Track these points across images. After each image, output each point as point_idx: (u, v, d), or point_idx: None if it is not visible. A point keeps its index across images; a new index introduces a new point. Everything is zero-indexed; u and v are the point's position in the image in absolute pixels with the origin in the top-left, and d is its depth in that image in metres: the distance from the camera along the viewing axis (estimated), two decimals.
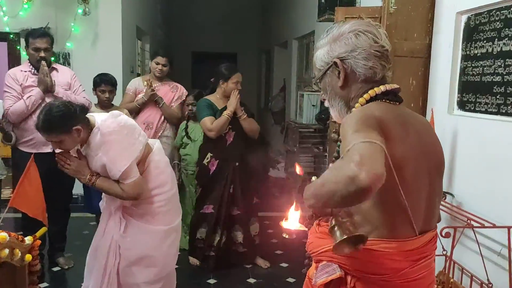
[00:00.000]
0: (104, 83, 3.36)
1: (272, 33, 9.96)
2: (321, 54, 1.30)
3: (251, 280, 3.41)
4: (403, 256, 1.16)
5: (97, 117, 2.15)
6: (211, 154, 3.48)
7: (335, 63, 1.26)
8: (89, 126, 2.11)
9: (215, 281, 3.39)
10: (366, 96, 1.23)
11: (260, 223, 3.72)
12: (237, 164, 3.43)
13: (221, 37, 11.09)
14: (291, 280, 3.47)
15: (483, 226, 2.23)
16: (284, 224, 1.38)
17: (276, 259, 3.80)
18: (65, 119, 2.02)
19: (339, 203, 1.01)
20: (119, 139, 2.05)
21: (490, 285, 2.32)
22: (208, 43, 10.97)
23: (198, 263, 3.56)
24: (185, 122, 3.84)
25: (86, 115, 2.14)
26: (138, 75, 6.27)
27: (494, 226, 2.21)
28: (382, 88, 1.23)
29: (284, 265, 3.73)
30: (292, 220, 1.37)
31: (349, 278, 1.20)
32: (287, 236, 1.41)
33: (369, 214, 1.15)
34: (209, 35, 11.04)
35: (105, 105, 3.43)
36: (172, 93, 4.00)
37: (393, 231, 1.16)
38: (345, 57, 1.25)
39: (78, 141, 2.09)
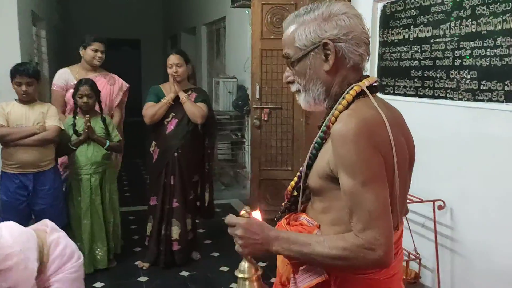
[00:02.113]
0: (19, 74, 2.87)
1: (178, 18, 9.70)
2: (306, 32, 1.14)
3: (184, 273, 3.33)
4: None
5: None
6: (155, 142, 3.34)
7: (325, 44, 1.13)
8: None
9: (146, 278, 3.26)
10: (353, 92, 1.14)
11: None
12: (175, 154, 3.25)
13: (122, 22, 10.57)
14: (224, 268, 3.45)
15: (412, 201, 2.40)
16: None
17: (206, 249, 3.76)
18: None
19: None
20: None
21: (418, 254, 2.51)
22: (109, 28, 10.37)
23: (147, 266, 3.37)
24: (71, 117, 3.18)
25: None
26: (37, 64, 5.74)
27: (422, 201, 2.39)
28: (366, 82, 1.16)
29: (215, 254, 3.70)
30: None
31: (332, 279, 1.15)
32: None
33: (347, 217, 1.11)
34: (109, 20, 10.46)
35: (25, 100, 2.94)
36: (110, 86, 3.54)
37: None
38: (337, 39, 1.13)
39: None
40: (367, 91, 1.14)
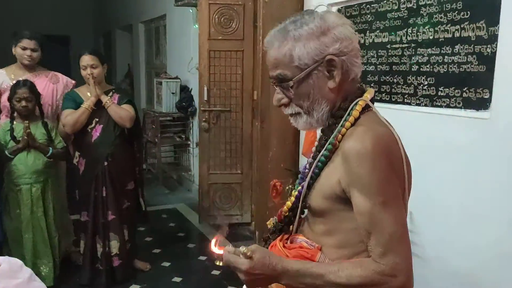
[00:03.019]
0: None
1: (112, 15, 9.26)
2: (307, 49, 1.06)
3: (136, 287, 3.15)
4: None
5: None
6: (79, 153, 3.06)
7: (330, 60, 1.06)
8: None
9: None
10: (358, 107, 1.09)
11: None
12: (105, 163, 2.99)
13: (51, 18, 9.91)
14: (177, 279, 3.30)
15: None
16: (216, 251, 1.17)
17: (157, 259, 3.59)
18: None
19: None
20: None
21: None
22: (36, 24, 9.67)
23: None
24: (8, 121, 2.91)
25: None
26: None
27: None
28: (368, 96, 1.11)
29: (166, 264, 3.53)
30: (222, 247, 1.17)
31: None
32: (220, 264, 1.24)
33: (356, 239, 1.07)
34: (36, 15, 9.78)
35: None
36: (53, 85, 3.25)
37: None
38: (340, 53, 1.06)
39: None
40: (372, 106, 1.09)
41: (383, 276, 0.97)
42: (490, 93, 2.05)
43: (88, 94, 2.99)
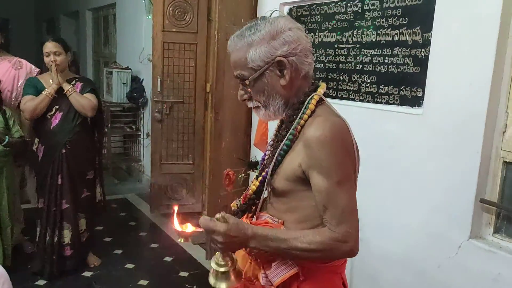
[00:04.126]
0: None
1: (55, 0, 8.98)
2: (259, 52, 1.20)
3: (87, 274, 3.18)
4: None
5: None
6: (38, 139, 3.05)
7: (279, 61, 1.20)
8: None
9: (44, 282, 3.03)
10: (313, 101, 1.24)
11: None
12: (63, 151, 2.99)
13: None
14: (129, 266, 3.37)
15: None
16: (178, 228, 1.30)
17: (108, 247, 3.63)
18: None
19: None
20: None
21: None
22: None
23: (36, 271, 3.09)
24: None
25: None
26: None
27: None
28: (321, 91, 1.26)
29: (118, 251, 3.59)
30: (184, 224, 1.32)
31: (300, 270, 1.24)
32: (182, 241, 1.32)
33: (315, 214, 1.22)
34: None
35: None
36: (15, 71, 3.18)
37: None
38: (288, 55, 1.20)
39: None
40: (325, 99, 1.26)
41: (336, 242, 1.15)
42: (423, 91, 2.31)
43: (51, 81, 2.97)
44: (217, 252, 1.21)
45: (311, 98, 1.25)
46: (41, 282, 3.03)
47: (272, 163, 1.27)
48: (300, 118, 1.23)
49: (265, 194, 1.37)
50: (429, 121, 2.29)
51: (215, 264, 1.20)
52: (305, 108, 1.23)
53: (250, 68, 1.22)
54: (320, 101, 1.27)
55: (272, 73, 1.22)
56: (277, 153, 1.26)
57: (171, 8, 4.03)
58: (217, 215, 1.17)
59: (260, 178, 1.32)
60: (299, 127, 1.23)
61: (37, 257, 3.12)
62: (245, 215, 1.38)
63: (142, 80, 5.31)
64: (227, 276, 1.20)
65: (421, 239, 2.36)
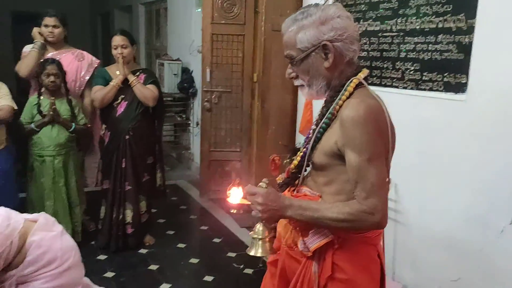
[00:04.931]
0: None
1: None
2: (307, 35, 1.32)
3: (143, 251, 3.42)
4: None
5: None
6: (105, 126, 3.33)
7: (324, 45, 1.32)
8: None
9: (105, 256, 3.31)
10: (352, 84, 1.33)
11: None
12: (127, 137, 3.24)
13: None
14: (181, 245, 3.59)
15: None
16: (230, 200, 1.47)
17: (161, 228, 3.87)
18: None
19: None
20: None
21: None
22: (30, 1, 9.78)
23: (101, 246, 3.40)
24: (36, 96, 3.15)
25: None
26: None
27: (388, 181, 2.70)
28: (362, 75, 1.36)
29: (170, 232, 3.82)
30: (235, 196, 1.48)
31: (336, 239, 1.35)
32: (235, 211, 1.50)
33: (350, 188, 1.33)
34: None
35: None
36: (78, 62, 3.45)
37: None
38: (334, 40, 1.31)
39: None
40: (365, 83, 1.37)
41: (364, 213, 1.26)
42: (467, 78, 2.34)
43: (117, 72, 3.23)
44: (257, 224, 1.35)
45: (351, 82, 1.35)
46: (102, 257, 3.31)
47: (312, 139, 1.39)
48: (339, 99, 1.34)
49: (307, 171, 1.50)
50: (472, 107, 2.32)
51: (254, 233, 1.35)
52: (344, 90, 1.34)
53: (298, 49, 1.35)
54: (360, 85, 1.37)
55: (317, 56, 1.34)
56: (316, 130, 1.38)
57: (220, 1, 4.19)
58: (260, 183, 1.31)
59: (301, 153, 1.44)
60: (337, 107, 1.34)
61: (102, 233, 3.41)
62: (288, 189, 1.51)
63: (192, 71, 5.53)
64: (263, 245, 1.35)
65: (463, 223, 2.40)
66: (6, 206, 2.08)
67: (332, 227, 1.32)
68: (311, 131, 1.47)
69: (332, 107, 1.35)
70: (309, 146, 1.40)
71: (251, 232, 1.39)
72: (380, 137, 1.30)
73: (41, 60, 3.16)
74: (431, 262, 2.59)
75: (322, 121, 1.37)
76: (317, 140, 1.39)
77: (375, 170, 1.26)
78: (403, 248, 2.79)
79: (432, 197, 2.57)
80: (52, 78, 3.06)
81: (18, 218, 2.02)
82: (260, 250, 1.39)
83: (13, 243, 1.93)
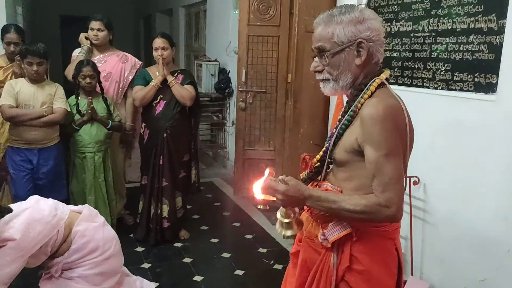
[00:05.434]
0: (30, 54, 2.97)
1: None
2: (345, 30, 1.37)
3: (178, 245, 3.56)
4: None
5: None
6: (145, 124, 3.50)
7: (359, 42, 1.37)
8: None
9: (143, 248, 3.48)
10: (375, 84, 1.40)
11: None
12: (165, 135, 3.39)
13: (91, 0, 10.42)
14: (214, 240, 3.71)
15: None
16: (256, 196, 1.51)
17: (196, 223, 4.01)
18: None
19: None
20: None
21: None
22: (78, 6, 10.25)
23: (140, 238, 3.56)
24: (74, 97, 3.30)
25: None
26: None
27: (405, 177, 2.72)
28: (384, 76, 1.43)
29: (204, 227, 3.95)
30: (259, 192, 1.50)
31: (354, 231, 1.42)
32: (261, 207, 1.55)
33: (369, 183, 1.38)
34: None
35: (35, 79, 3.05)
36: (122, 64, 3.64)
37: None
38: (369, 40, 1.37)
39: None
40: (387, 83, 1.43)
41: (379, 206, 1.32)
42: (497, 78, 2.33)
43: (157, 73, 3.40)
44: (280, 207, 1.43)
45: (373, 81, 1.42)
46: (139, 249, 3.48)
47: (334, 135, 1.46)
48: (361, 97, 1.41)
49: (330, 167, 1.57)
50: (503, 107, 2.30)
51: (280, 215, 1.43)
52: (367, 89, 1.41)
53: (334, 42, 1.40)
54: (382, 85, 1.43)
55: (351, 51, 1.40)
56: (338, 127, 1.45)
57: (256, 3, 4.28)
58: (280, 177, 1.39)
59: (323, 148, 1.51)
60: (359, 105, 1.40)
61: (140, 227, 3.58)
62: (311, 184, 1.58)
63: (229, 71, 5.66)
64: (290, 226, 1.42)
65: (490, 224, 2.38)
66: (57, 199, 2.26)
67: (349, 218, 1.39)
68: (334, 128, 1.54)
69: (354, 105, 1.42)
70: (331, 142, 1.47)
71: (278, 214, 1.45)
72: (398, 134, 1.35)
73: (77, 63, 3.33)
74: (458, 262, 2.58)
75: (344, 118, 1.44)
76: (339, 136, 1.45)
77: (392, 165, 1.32)
78: (431, 248, 2.79)
79: (460, 198, 2.57)
80: (88, 80, 3.24)
81: (64, 209, 2.19)
82: (289, 231, 1.46)
83: (60, 232, 2.11)
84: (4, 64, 3.53)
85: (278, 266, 3.28)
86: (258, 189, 1.52)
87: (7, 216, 1.95)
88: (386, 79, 1.45)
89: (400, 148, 1.36)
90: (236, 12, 5.02)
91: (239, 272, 3.21)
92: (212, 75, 5.71)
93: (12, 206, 2.03)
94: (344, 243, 1.44)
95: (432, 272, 2.77)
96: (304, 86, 3.67)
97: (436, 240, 2.75)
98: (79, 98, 3.31)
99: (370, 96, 1.41)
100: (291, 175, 1.46)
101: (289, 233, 1.44)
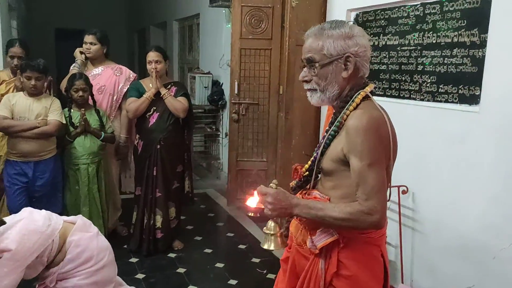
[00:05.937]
0: (29, 69, 3.03)
1: (146, 12, 9.80)
2: (335, 44, 1.45)
3: (172, 255, 3.60)
4: None
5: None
6: (139, 135, 3.56)
7: (348, 56, 1.45)
8: None
9: (137, 259, 3.51)
10: (360, 96, 1.47)
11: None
12: (158, 146, 3.44)
13: (86, 13, 10.52)
14: (208, 250, 3.75)
15: None
16: (248, 204, 1.62)
17: (190, 234, 4.04)
18: None
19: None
20: None
21: None
22: (72, 19, 10.34)
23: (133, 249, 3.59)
24: (66, 109, 3.34)
25: None
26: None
27: (388, 186, 2.78)
28: (368, 89, 1.50)
29: (198, 238, 3.99)
30: (252, 201, 1.61)
31: (341, 238, 1.48)
32: (252, 214, 1.67)
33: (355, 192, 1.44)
34: (73, 10, 10.44)
35: (33, 93, 3.11)
36: (116, 77, 3.69)
37: None
38: (356, 55, 1.45)
39: None
40: (371, 96, 1.50)
41: (363, 213, 1.38)
42: (480, 90, 2.41)
43: (150, 85, 3.46)
44: (268, 221, 1.50)
45: (358, 94, 1.49)
46: (133, 260, 3.51)
47: (321, 146, 1.53)
48: (346, 109, 1.48)
49: (318, 176, 1.63)
50: (485, 118, 2.39)
51: (266, 229, 1.50)
52: (352, 101, 1.48)
53: (323, 54, 1.47)
54: (367, 98, 1.50)
55: (338, 64, 1.48)
56: (326, 138, 1.53)
57: (248, 17, 4.38)
58: (271, 184, 1.45)
59: (312, 158, 1.58)
60: (345, 116, 1.48)
61: (134, 237, 3.61)
62: (300, 192, 1.64)
63: (222, 84, 5.74)
64: (275, 240, 1.50)
65: (478, 232, 2.45)
66: (53, 211, 2.30)
67: (335, 225, 1.45)
68: (321, 138, 1.61)
69: (340, 117, 1.49)
70: (319, 152, 1.54)
71: (264, 228, 1.54)
72: (381, 145, 1.42)
73: (69, 76, 3.39)
74: (447, 269, 2.64)
75: (331, 129, 1.51)
76: (326, 146, 1.53)
77: (375, 174, 1.39)
78: (420, 256, 2.85)
79: (448, 206, 2.63)
80: (80, 93, 3.29)
81: (58, 220, 2.23)
82: (272, 244, 1.54)
83: (55, 241, 2.15)
84: (7, 78, 3.58)
85: (271, 276, 3.32)
86: (252, 199, 1.61)
87: (1, 228, 1.98)
88: (371, 92, 1.53)
89: (383, 158, 1.43)
90: (229, 25, 5.11)
91: (232, 281, 3.25)
92: (205, 87, 5.79)
93: (5, 218, 2.07)
94: (332, 249, 1.50)
95: (422, 279, 2.83)
96: (295, 98, 3.74)
97: (425, 248, 2.81)
98: (72, 110, 3.36)
99: (355, 108, 1.48)
100: (283, 186, 1.53)
101: (273, 246, 1.51)
